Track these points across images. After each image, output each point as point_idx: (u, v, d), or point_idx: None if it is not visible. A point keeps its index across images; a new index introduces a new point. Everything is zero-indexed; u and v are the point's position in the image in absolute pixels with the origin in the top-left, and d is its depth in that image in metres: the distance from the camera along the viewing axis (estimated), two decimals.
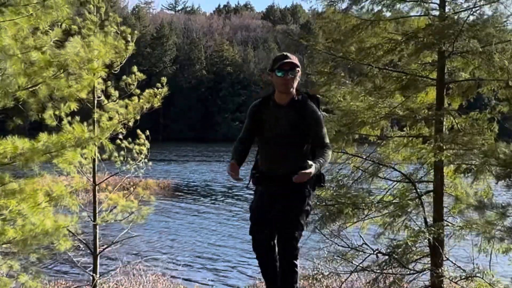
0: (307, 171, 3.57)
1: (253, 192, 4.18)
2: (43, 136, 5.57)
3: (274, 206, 3.89)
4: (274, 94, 3.95)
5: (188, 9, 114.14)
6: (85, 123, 6.67)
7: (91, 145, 5.92)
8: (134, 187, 9.53)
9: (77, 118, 7.69)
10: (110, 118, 7.96)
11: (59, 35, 5.43)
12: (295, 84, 3.87)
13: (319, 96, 4.31)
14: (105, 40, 7.38)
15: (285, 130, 3.82)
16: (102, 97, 8.65)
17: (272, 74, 3.89)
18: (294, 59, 3.84)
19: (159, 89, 8.75)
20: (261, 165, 3.99)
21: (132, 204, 8.85)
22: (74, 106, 7.12)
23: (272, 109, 3.92)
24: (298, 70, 3.85)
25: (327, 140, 3.91)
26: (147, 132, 9.36)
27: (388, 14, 7.35)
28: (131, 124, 8.34)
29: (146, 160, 9.44)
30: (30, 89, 5.55)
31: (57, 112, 7.63)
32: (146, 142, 9.34)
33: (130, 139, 9.16)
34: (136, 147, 9.25)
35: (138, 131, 9.25)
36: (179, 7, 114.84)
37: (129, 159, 9.30)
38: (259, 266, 4.11)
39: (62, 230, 5.82)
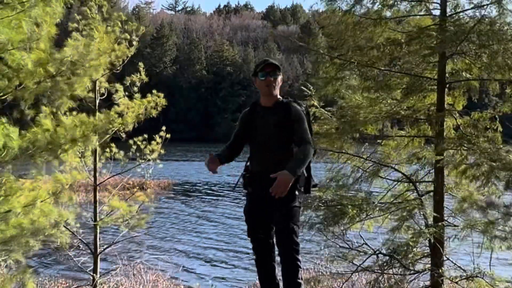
0: (281, 180, 3.65)
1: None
2: (39, 131, 5.47)
3: (268, 205, 3.97)
4: (260, 99, 4.15)
5: (188, 9, 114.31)
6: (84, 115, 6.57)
7: (92, 138, 5.86)
8: (136, 188, 9.50)
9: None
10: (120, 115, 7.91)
11: (54, 34, 5.38)
12: (277, 86, 4.06)
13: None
14: (107, 36, 7.34)
15: (272, 131, 3.97)
16: (105, 95, 8.63)
17: (256, 79, 4.08)
18: (274, 62, 4.06)
19: (159, 99, 8.70)
20: (252, 167, 4.12)
21: (132, 209, 8.83)
22: (68, 102, 7.04)
23: (259, 113, 4.09)
24: (279, 73, 4.05)
25: (308, 137, 4.00)
26: (169, 135, 9.33)
27: (388, 14, 7.33)
28: (130, 127, 8.32)
29: (157, 161, 9.43)
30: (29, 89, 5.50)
31: (53, 110, 7.57)
32: (159, 146, 9.29)
33: (146, 136, 9.16)
34: (148, 147, 9.22)
35: (163, 127, 9.22)
36: (179, 7, 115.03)
37: (138, 159, 9.28)
38: (256, 266, 4.17)
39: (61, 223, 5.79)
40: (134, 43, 8.56)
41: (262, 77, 4.01)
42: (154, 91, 8.60)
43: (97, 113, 8.22)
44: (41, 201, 5.49)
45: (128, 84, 8.76)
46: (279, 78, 4.06)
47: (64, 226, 7.24)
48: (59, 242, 6.12)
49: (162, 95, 8.71)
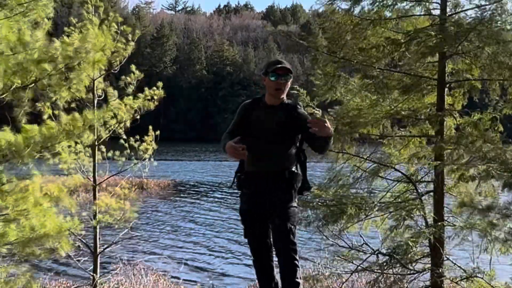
0: (327, 125, 3.62)
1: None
2: (33, 129, 5.42)
3: (264, 205, 3.94)
4: (265, 97, 4.11)
5: (188, 9, 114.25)
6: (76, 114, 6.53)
7: (87, 133, 5.82)
8: (135, 187, 9.52)
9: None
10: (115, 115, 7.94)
11: (47, 31, 5.36)
12: (286, 89, 4.05)
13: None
14: (103, 32, 7.32)
15: (273, 129, 3.93)
16: (103, 96, 8.64)
17: (265, 78, 4.05)
18: (287, 65, 4.04)
19: (156, 91, 8.72)
20: (248, 165, 4.05)
21: (125, 207, 8.84)
22: (66, 95, 7.03)
23: (262, 110, 4.06)
24: (291, 76, 4.03)
25: None
26: (158, 132, 9.34)
27: (388, 14, 7.32)
28: (128, 124, 8.30)
29: (152, 159, 9.44)
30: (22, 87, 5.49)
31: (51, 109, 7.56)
32: (153, 143, 9.31)
33: (138, 137, 9.17)
34: (142, 146, 9.23)
35: (150, 127, 9.25)
36: (179, 7, 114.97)
37: (133, 158, 9.29)
38: (254, 266, 4.15)
39: (64, 233, 5.76)
40: (131, 43, 8.58)
41: (273, 77, 3.97)
42: (150, 88, 8.63)
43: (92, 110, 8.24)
44: (39, 205, 5.46)
45: (123, 85, 8.77)
46: (290, 81, 4.04)
47: (72, 233, 7.20)
48: (62, 253, 6.06)
49: (160, 84, 8.74)
